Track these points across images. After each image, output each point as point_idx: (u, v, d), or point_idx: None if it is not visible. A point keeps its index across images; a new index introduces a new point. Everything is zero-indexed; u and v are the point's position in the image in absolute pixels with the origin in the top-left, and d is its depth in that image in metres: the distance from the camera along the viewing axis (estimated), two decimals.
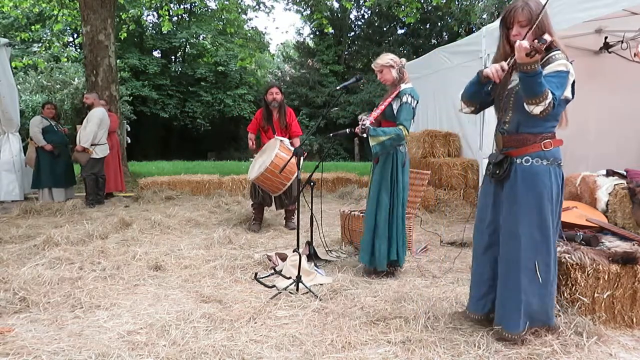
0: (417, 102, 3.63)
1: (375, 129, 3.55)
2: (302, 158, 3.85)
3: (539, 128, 2.40)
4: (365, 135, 3.54)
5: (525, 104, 2.28)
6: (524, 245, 2.37)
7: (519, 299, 2.39)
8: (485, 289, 2.62)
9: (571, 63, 2.34)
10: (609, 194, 3.99)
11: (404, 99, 3.57)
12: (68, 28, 18.66)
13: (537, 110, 2.23)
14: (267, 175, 4.96)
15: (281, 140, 5.13)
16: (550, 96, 2.20)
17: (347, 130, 3.68)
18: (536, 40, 2.13)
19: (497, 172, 2.48)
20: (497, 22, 2.59)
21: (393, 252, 3.62)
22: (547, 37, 2.19)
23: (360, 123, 3.53)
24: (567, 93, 2.34)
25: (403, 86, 3.63)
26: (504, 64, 2.38)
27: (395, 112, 3.60)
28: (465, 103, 2.66)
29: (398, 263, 3.69)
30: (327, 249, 4.37)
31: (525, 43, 2.13)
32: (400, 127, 3.53)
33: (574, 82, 2.37)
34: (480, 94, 2.59)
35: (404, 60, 3.71)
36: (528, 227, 2.37)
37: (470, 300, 2.72)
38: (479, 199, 2.75)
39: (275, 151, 4.93)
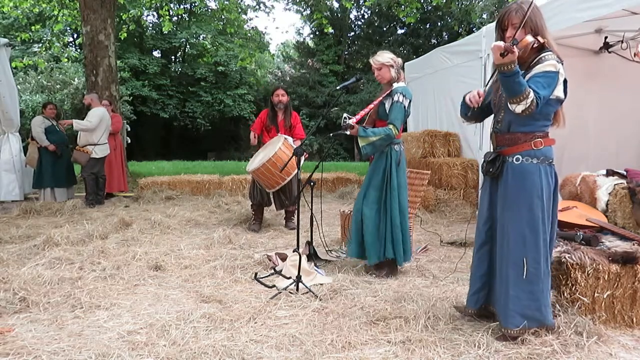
0: (410, 101, 3.63)
1: (365, 130, 3.55)
2: (302, 158, 3.85)
3: (530, 127, 2.45)
4: (348, 132, 3.55)
5: (507, 103, 2.35)
6: (513, 241, 2.43)
7: (508, 294, 2.45)
8: (479, 285, 2.69)
9: (561, 63, 2.37)
10: (609, 193, 3.99)
11: (396, 98, 3.58)
12: (68, 28, 18.65)
13: (518, 109, 2.30)
14: (268, 167, 4.93)
15: (285, 138, 5.13)
16: (532, 95, 2.26)
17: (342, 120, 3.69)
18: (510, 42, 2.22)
19: (490, 169, 2.54)
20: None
21: (389, 249, 3.61)
22: (529, 38, 2.29)
23: (342, 122, 3.53)
24: (558, 93, 2.39)
25: (395, 85, 3.64)
26: (480, 90, 2.53)
27: (387, 110, 3.61)
28: (463, 119, 2.78)
29: (396, 262, 3.68)
30: (327, 249, 4.37)
31: (499, 44, 2.21)
32: (390, 126, 3.54)
33: (565, 81, 2.41)
34: (473, 112, 2.68)
35: (400, 60, 3.72)
36: (518, 223, 2.43)
37: (467, 296, 2.79)
38: (479, 197, 2.79)
39: (278, 145, 4.93)
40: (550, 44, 2.40)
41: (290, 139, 5.22)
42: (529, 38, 2.31)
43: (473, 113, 2.69)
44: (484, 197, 2.67)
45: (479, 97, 2.54)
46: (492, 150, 2.63)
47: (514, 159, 2.46)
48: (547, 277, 2.45)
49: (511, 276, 2.44)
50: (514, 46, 2.20)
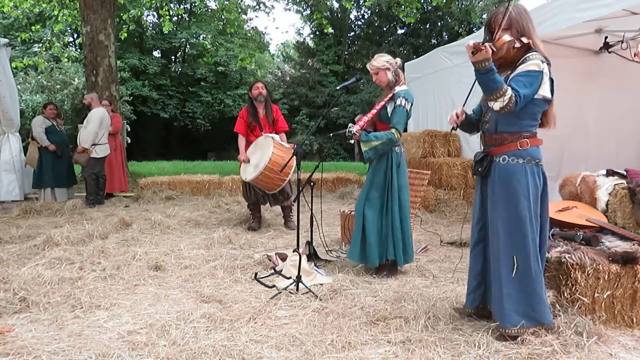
0: (412, 105, 3.63)
1: (367, 134, 3.55)
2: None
3: (516, 127, 2.48)
4: (352, 141, 3.55)
5: (486, 100, 2.41)
6: (502, 240, 2.47)
7: (502, 293, 2.47)
8: (474, 284, 2.73)
9: (547, 63, 2.41)
10: (609, 194, 3.99)
11: (398, 102, 3.57)
12: (68, 28, 18.66)
13: (496, 106, 2.35)
14: (266, 174, 4.91)
15: (272, 138, 5.08)
16: (509, 93, 2.31)
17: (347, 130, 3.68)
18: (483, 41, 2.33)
19: (479, 169, 2.58)
20: None
21: (390, 251, 3.61)
22: (506, 37, 2.37)
23: (347, 133, 3.52)
24: (544, 92, 2.41)
25: (397, 89, 3.62)
26: (459, 111, 2.62)
27: (389, 114, 3.61)
28: (465, 132, 2.85)
29: (397, 263, 3.68)
30: (327, 249, 4.37)
31: (470, 42, 2.30)
32: (393, 130, 3.55)
33: (552, 81, 2.44)
34: (466, 126, 2.75)
35: (399, 60, 3.70)
36: (505, 222, 2.46)
37: (465, 295, 2.82)
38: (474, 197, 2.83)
39: (271, 149, 4.90)
40: (536, 44, 2.44)
41: (277, 137, 5.16)
42: (506, 37, 2.37)
43: (465, 128, 2.75)
44: (477, 196, 2.71)
45: (457, 118, 2.63)
46: (481, 150, 2.66)
47: (501, 159, 2.50)
48: (539, 276, 2.46)
49: (503, 275, 2.47)
50: (484, 44, 2.27)
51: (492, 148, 2.54)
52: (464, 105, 2.71)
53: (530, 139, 2.47)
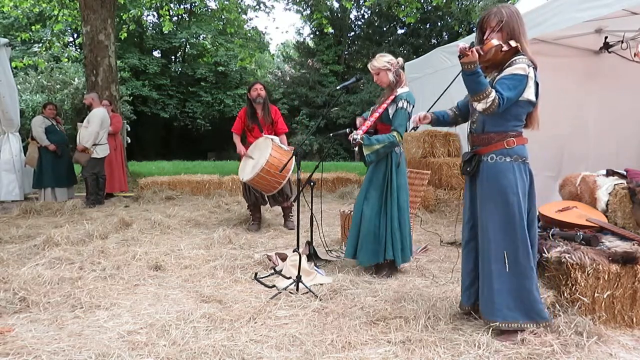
0: (413, 107, 3.63)
1: (369, 138, 3.56)
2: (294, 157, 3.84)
3: (502, 127, 2.53)
4: (356, 148, 3.56)
5: (471, 101, 2.48)
6: (492, 236, 2.51)
7: (492, 288, 2.50)
8: (468, 282, 2.75)
9: (533, 67, 2.45)
10: (609, 194, 3.99)
11: (400, 104, 3.58)
12: (68, 28, 18.67)
13: (479, 107, 2.42)
14: (263, 175, 4.89)
15: (271, 140, 5.08)
16: (493, 95, 2.36)
17: (347, 130, 3.68)
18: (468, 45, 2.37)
19: (468, 169, 2.64)
20: None
21: (389, 251, 3.61)
22: (494, 41, 2.41)
23: (350, 138, 3.53)
24: (528, 95, 2.46)
25: (399, 90, 3.62)
26: (422, 114, 2.73)
27: (391, 116, 3.61)
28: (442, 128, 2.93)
29: (395, 263, 3.68)
30: (327, 249, 4.37)
31: (460, 45, 2.35)
32: (394, 133, 3.56)
33: (537, 85, 2.48)
34: (439, 124, 2.85)
35: (401, 60, 3.70)
36: (495, 218, 2.50)
37: (460, 293, 2.85)
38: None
39: (269, 151, 4.89)
40: (525, 48, 2.48)
41: (277, 139, 5.16)
42: (494, 42, 2.41)
43: (438, 125, 2.84)
44: (467, 196, 2.77)
45: (419, 120, 2.72)
46: (469, 150, 2.70)
47: (489, 157, 2.55)
48: (529, 272, 2.47)
49: (494, 271, 2.50)
50: (470, 49, 2.31)
51: (480, 148, 2.59)
52: (429, 110, 2.81)
53: (516, 138, 2.52)
